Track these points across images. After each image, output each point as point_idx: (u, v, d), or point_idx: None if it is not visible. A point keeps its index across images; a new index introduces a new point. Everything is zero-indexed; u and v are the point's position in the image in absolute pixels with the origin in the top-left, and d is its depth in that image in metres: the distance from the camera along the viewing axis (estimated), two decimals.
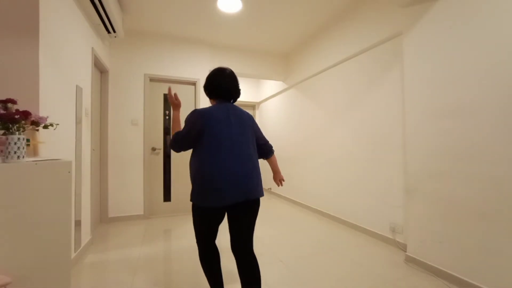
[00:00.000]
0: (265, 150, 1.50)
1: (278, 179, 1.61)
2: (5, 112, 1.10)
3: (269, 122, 5.23)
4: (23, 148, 1.09)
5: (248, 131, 1.35)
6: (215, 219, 1.28)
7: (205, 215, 1.26)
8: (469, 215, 1.63)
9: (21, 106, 1.40)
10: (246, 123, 1.35)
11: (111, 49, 3.26)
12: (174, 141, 1.32)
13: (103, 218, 3.15)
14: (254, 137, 1.40)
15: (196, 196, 1.22)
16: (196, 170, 1.24)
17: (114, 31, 2.72)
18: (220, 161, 1.20)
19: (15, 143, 1.06)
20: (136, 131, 3.36)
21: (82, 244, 2.23)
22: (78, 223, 2.12)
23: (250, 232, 1.32)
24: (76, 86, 2.10)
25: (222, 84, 1.36)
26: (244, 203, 1.26)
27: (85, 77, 2.33)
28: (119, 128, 3.28)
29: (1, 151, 1.10)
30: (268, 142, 1.51)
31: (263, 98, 5.40)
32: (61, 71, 1.82)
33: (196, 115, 1.27)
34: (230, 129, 1.28)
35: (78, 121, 2.13)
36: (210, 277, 1.36)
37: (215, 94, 1.38)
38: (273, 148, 1.56)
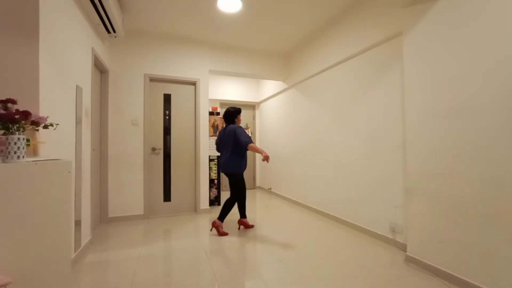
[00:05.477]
0: (242, 146, 2.69)
1: (262, 159, 2.56)
2: (5, 112, 1.10)
3: (269, 122, 5.23)
4: (23, 148, 1.10)
5: (230, 138, 2.71)
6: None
7: None
8: (469, 215, 1.64)
9: (21, 106, 1.40)
10: (229, 133, 2.72)
11: (111, 49, 3.25)
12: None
13: (103, 218, 3.15)
14: (233, 141, 2.70)
15: None
16: None
17: (114, 31, 2.72)
18: (221, 155, 2.89)
19: (15, 143, 1.06)
20: (136, 131, 3.36)
21: (82, 244, 2.23)
22: (78, 223, 2.12)
23: (232, 188, 2.83)
24: (76, 86, 2.11)
25: (226, 117, 2.88)
26: (225, 173, 2.79)
27: (85, 77, 2.33)
28: (119, 128, 3.28)
29: (1, 151, 1.10)
30: (244, 142, 2.59)
31: (263, 98, 5.40)
32: (61, 71, 1.83)
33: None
34: (223, 137, 2.84)
35: (78, 121, 2.13)
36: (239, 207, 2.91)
37: (225, 120, 2.91)
38: (249, 144, 2.58)
